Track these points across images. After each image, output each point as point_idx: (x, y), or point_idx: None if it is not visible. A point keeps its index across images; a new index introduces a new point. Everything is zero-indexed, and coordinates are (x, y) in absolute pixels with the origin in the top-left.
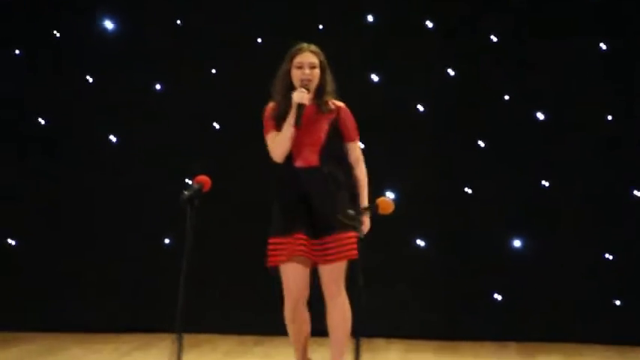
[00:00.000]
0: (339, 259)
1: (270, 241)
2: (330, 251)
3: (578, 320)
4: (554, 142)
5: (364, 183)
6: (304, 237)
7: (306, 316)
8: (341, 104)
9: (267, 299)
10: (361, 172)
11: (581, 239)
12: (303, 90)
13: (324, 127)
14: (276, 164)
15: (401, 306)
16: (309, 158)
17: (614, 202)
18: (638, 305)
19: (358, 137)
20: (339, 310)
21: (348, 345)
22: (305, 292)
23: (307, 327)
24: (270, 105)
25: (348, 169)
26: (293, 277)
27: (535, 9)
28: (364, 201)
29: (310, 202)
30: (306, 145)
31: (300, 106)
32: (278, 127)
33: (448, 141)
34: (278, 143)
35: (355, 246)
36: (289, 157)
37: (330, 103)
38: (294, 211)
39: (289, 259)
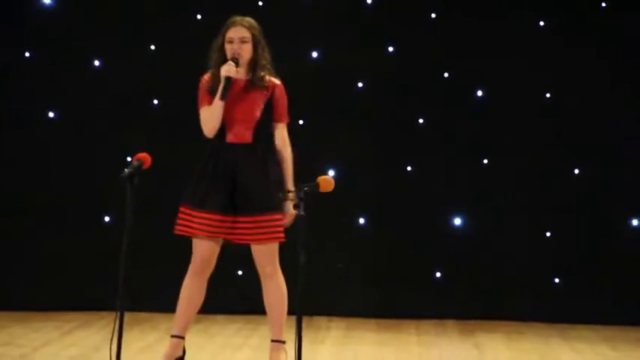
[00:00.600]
0: (272, 239)
1: (182, 209)
2: (262, 230)
3: (518, 298)
4: (494, 120)
5: (290, 165)
6: (219, 217)
7: (202, 288)
8: (277, 82)
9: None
10: (289, 156)
11: (522, 217)
12: (231, 63)
13: (259, 104)
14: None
15: (342, 284)
16: (242, 134)
17: (554, 180)
18: (577, 283)
19: (287, 119)
20: (275, 289)
21: (288, 322)
22: (210, 266)
23: (198, 300)
24: (205, 77)
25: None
26: (202, 250)
27: None
28: (289, 185)
29: (238, 178)
30: (240, 122)
31: (228, 79)
32: (211, 100)
33: (388, 118)
34: (208, 118)
35: (282, 229)
36: (222, 132)
37: (265, 78)
38: (217, 186)
39: (203, 236)
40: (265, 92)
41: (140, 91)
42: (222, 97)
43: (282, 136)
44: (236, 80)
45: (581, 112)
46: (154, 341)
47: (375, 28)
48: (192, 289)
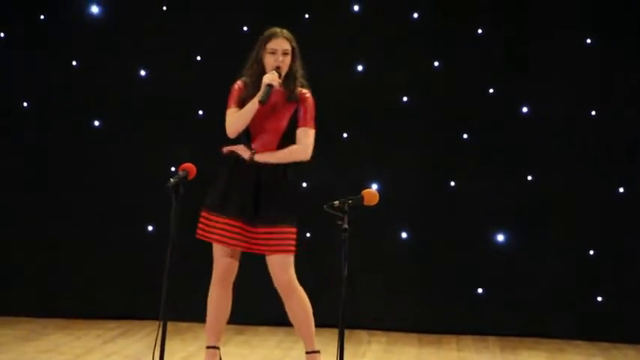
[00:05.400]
0: (284, 251)
1: (204, 214)
2: (274, 242)
3: (560, 316)
4: (539, 136)
5: (285, 151)
6: (240, 224)
7: (227, 297)
8: (305, 91)
9: (248, 289)
10: (294, 147)
11: (565, 235)
12: (275, 73)
13: (287, 115)
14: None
15: (384, 298)
16: (268, 144)
17: (597, 198)
18: (621, 302)
19: (311, 124)
20: (297, 304)
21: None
22: (232, 274)
23: (225, 309)
24: (239, 83)
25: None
26: (223, 258)
27: (521, 2)
28: (267, 155)
29: (260, 188)
30: (268, 131)
31: (270, 86)
32: (241, 106)
33: (433, 133)
34: (237, 118)
35: (294, 242)
36: (247, 141)
37: (297, 90)
38: (240, 194)
39: (222, 243)
40: (295, 104)
41: (185, 102)
42: (263, 103)
43: (298, 138)
44: (272, 91)
45: (626, 129)
46: (195, 351)
47: (421, 43)
48: (218, 299)
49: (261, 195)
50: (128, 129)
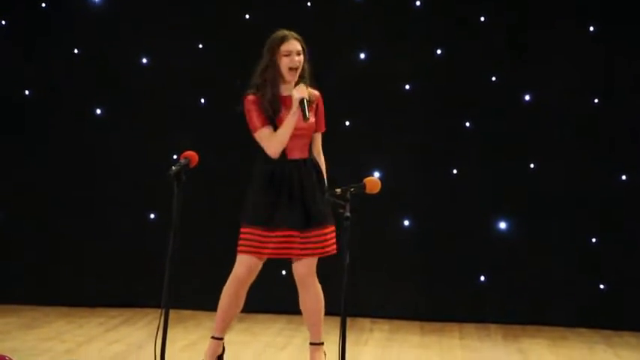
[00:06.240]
0: (321, 254)
1: (245, 230)
2: (312, 245)
3: (563, 304)
4: (541, 125)
5: (324, 167)
6: (289, 232)
7: (244, 296)
8: (317, 93)
9: None
10: (324, 165)
11: (567, 222)
12: (302, 85)
13: (312, 119)
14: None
15: (386, 286)
16: (301, 150)
17: (600, 186)
18: (623, 290)
19: (325, 128)
20: (313, 295)
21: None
22: (254, 275)
23: (239, 306)
24: (252, 98)
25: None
26: (249, 268)
27: None
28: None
29: (302, 193)
30: (300, 136)
31: (303, 100)
32: (269, 121)
33: (435, 121)
34: (280, 140)
35: (335, 240)
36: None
37: (312, 94)
38: (283, 204)
39: (257, 255)
40: (314, 105)
41: (187, 90)
42: (306, 118)
43: (318, 146)
44: (289, 97)
45: (629, 117)
46: (197, 339)
47: (423, 31)
48: (233, 296)
49: (306, 199)
50: (130, 117)
